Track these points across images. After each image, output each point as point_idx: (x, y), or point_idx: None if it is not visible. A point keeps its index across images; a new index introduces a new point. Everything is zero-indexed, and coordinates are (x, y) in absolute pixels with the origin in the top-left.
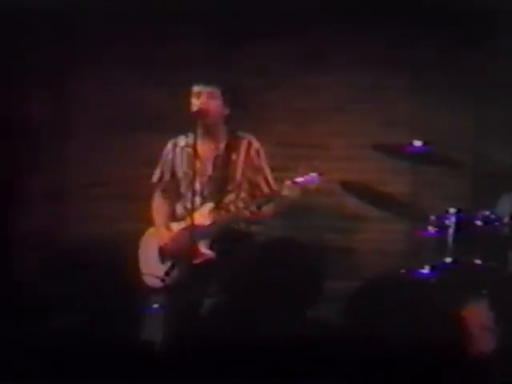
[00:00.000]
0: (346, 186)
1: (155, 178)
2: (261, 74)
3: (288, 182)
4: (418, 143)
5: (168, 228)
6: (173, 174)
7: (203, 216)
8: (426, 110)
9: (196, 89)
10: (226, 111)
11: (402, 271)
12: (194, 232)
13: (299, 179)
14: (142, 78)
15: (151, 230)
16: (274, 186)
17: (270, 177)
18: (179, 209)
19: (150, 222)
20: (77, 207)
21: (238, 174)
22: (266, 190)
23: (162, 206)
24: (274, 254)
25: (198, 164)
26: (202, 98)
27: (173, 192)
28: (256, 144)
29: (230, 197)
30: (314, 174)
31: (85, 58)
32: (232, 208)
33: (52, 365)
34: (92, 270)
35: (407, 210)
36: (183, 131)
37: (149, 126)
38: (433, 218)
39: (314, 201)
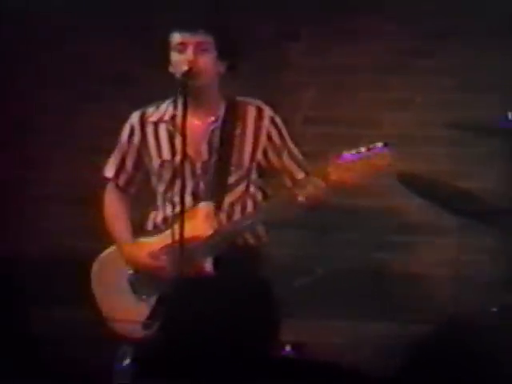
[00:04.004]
0: (407, 180)
1: (110, 170)
2: (273, 12)
3: (334, 162)
4: None
5: (142, 245)
6: (138, 162)
7: (200, 221)
8: None
9: (178, 38)
10: (223, 69)
11: (494, 309)
12: (189, 246)
13: (346, 154)
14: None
15: (110, 251)
16: (308, 170)
17: (298, 155)
18: (155, 217)
19: (106, 239)
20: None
21: (247, 156)
22: (298, 174)
23: (122, 215)
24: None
25: (186, 145)
26: (189, 51)
27: (136, 191)
28: (269, 111)
29: (236, 191)
30: (379, 144)
31: None
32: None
33: None
34: None
35: (499, 216)
36: (157, 98)
37: (110, 93)
38: None
39: (360, 204)
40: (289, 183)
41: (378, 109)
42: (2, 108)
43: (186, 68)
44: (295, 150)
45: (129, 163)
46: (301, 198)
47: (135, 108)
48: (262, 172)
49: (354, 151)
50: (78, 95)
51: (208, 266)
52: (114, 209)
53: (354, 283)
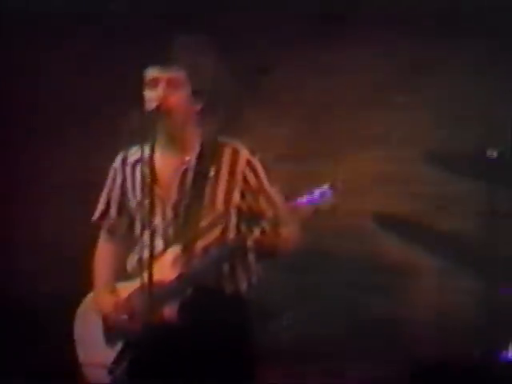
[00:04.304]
0: (383, 220)
1: (96, 213)
2: (247, 46)
3: (293, 203)
4: (492, 153)
5: (113, 291)
6: (122, 208)
7: (167, 266)
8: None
9: (151, 73)
10: (197, 106)
11: (476, 353)
12: (154, 291)
13: (305, 197)
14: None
15: (89, 297)
16: (282, 207)
17: (274, 195)
18: (132, 260)
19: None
20: None
21: (220, 198)
22: (270, 214)
23: (107, 258)
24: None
25: (157, 186)
26: (160, 87)
27: (122, 235)
28: (245, 152)
29: (211, 235)
30: (325, 187)
31: None
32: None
33: None
34: None
35: (479, 257)
36: (136, 140)
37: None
38: None
39: (334, 244)
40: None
41: (353, 145)
42: None
43: (154, 105)
44: (273, 193)
45: (113, 206)
46: (251, 242)
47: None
48: (244, 216)
49: (306, 197)
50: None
51: (171, 311)
52: (99, 251)
53: (330, 326)
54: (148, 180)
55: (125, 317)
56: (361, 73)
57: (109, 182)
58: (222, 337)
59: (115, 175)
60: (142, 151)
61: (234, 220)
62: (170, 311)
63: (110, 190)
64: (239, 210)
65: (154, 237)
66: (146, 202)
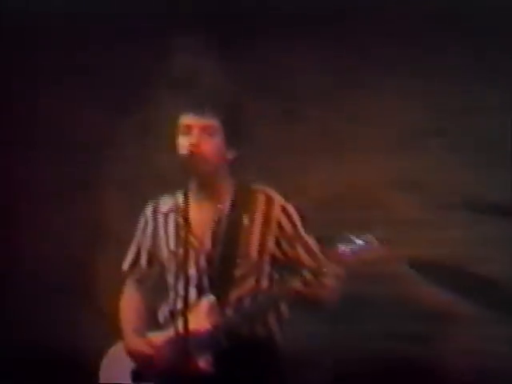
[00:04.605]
0: (419, 266)
1: (126, 263)
2: (281, 92)
3: (334, 252)
4: None
5: (147, 339)
6: (152, 257)
7: (201, 316)
8: None
9: (184, 120)
10: (231, 154)
11: None
12: (189, 341)
13: (347, 246)
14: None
15: (118, 346)
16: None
17: (310, 243)
18: (163, 311)
19: (115, 334)
20: None
21: (255, 247)
22: (310, 264)
23: (136, 307)
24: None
25: (191, 235)
26: (193, 134)
27: (152, 284)
28: (279, 198)
29: (245, 285)
30: (369, 237)
31: None
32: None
33: None
34: None
35: None
36: (165, 188)
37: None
38: None
39: (367, 290)
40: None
41: (387, 190)
42: None
43: (186, 152)
44: (310, 241)
45: (143, 256)
46: (290, 292)
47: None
48: (278, 264)
49: (348, 246)
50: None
51: (205, 363)
52: (128, 301)
53: (366, 376)
54: (182, 229)
55: (156, 362)
56: (393, 117)
57: (139, 231)
58: None
59: (146, 224)
60: (177, 201)
61: (267, 269)
62: (205, 362)
63: (141, 239)
64: (273, 259)
65: (188, 286)
66: (180, 251)
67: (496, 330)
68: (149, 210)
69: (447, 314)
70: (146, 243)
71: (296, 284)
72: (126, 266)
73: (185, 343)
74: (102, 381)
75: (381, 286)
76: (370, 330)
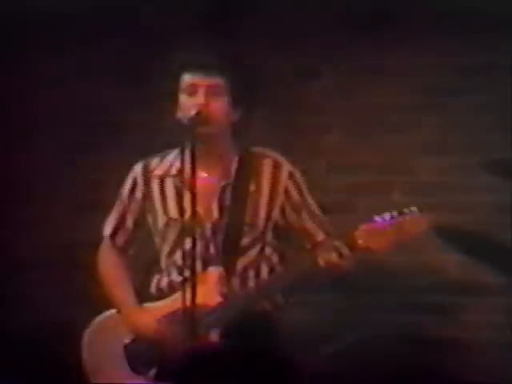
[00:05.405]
0: (445, 233)
1: (108, 227)
2: (293, 49)
3: (363, 226)
4: None
5: (143, 309)
6: (140, 222)
7: (210, 287)
8: None
9: (189, 79)
10: (236, 115)
11: None
12: (196, 314)
13: (377, 218)
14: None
15: (105, 317)
16: (330, 231)
17: (319, 214)
18: (163, 279)
19: (100, 303)
20: None
21: (262, 215)
22: (318, 236)
23: (123, 274)
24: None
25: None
26: (199, 94)
27: (136, 252)
28: (287, 165)
29: (250, 254)
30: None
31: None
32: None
33: None
34: None
35: None
36: (160, 148)
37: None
38: None
39: (390, 260)
40: (308, 245)
41: (410, 153)
42: None
43: (194, 112)
44: (316, 209)
45: (129, 220)
46: (322, 265)
47: (135, 159)
48: (279, 232)
49: (386, 216)
50: (70, 145)
51: (215, 336)
52: (113, 270)
53: (386, 350)
54: (185, 195)
55: (163, 338)
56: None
57: (125, 192)
58: (265, 362)
59: (134, 186)
60: (172, 163)
61: (270, 237)
62: (215, 335)
63: (127, 202)
64: (275, 226)
65: (189, 257)
66: (184, 218)
67: None
68: (138, 171)
69: (473, 283)
70: (135, 207)
71: (333, 257)
72: (108, 230)
73: (193, 316)
74: (85, 355)
75: (401, 254)
76: (389, 302)
